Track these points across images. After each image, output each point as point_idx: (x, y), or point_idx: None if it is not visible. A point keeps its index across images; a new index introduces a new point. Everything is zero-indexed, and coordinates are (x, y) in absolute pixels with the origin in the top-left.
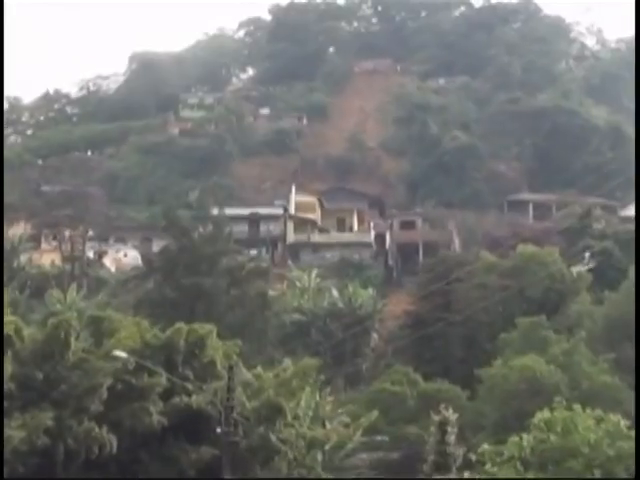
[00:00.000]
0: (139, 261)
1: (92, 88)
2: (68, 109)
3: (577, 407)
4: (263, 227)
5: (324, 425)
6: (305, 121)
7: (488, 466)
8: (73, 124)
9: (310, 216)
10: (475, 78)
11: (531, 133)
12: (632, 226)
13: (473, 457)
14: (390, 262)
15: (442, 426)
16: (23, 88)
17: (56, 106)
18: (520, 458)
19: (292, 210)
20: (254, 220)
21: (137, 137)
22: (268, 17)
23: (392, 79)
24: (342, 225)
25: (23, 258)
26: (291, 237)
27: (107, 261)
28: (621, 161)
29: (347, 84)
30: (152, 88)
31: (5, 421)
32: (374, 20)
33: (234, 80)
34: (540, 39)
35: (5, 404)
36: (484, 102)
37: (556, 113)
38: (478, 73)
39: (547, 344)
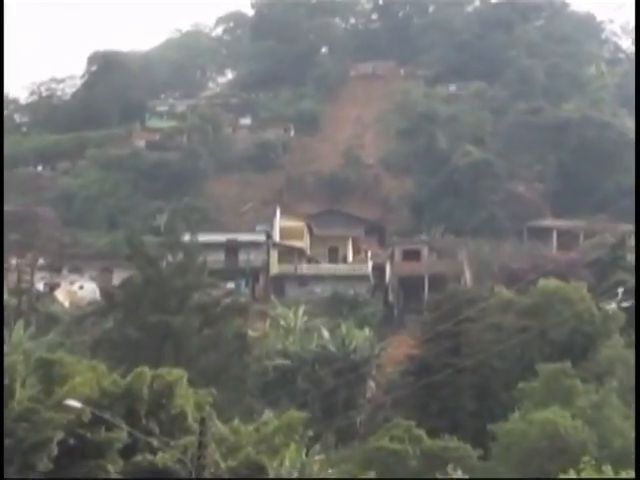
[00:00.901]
0: (97, 295)
1: (44, 93)
2: (16, 117)
3: (607, 469)
4: (242, 256)
5: None
6: (293, 132)
7: None
8: (22, 134)
9: (297, 244)
10: (491, 84)
11: (555, 148)
12: None
13: None
14: (390, 298)
15: None
16: None
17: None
18: None
19: (276, 237)
20: (232, 248)
21: (96, 150)
22: (250, 12)
23: (394, 84)
24: (335, 255)
25: None
26: (275, 268)
27: (60, 295)
28: None
29: (342, 90)
30: (114, 93)
31: None
32: (374, 16)
33: (210, 85)
34: (567, 39)
35: None
36: (501, 112)
37: (585, 125)
38: (495, 78)
39: (573, 395)
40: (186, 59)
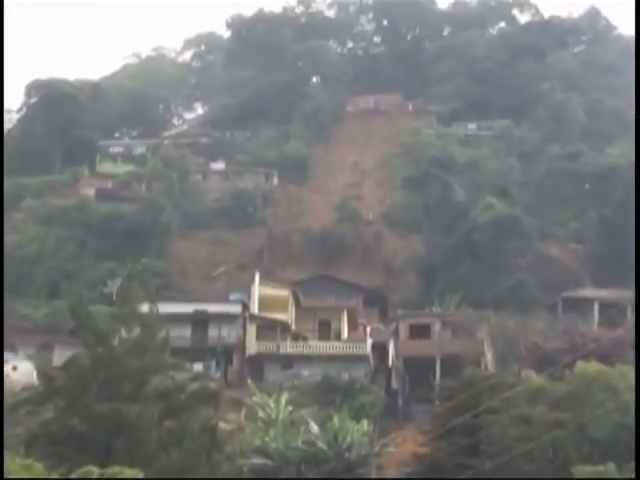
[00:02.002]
0: (34, 378)
1: None
2: None
3: None
4: (213, 331)
5: None
6: (276, 181)
7: None
8: None
9: (280, 316)
10: (519, 123)
11: (597, 202)
12: None
13: None
14: (394, 384)
15: None
16: None
17: None
18: None
19: (255, 308)
20: (200, 321)
21: (36, 200)
22: (225, 33)
23: (401, 122)
24: (326, 330)
25: None
26: (253, 346)
27: None
28: None
29: (337, 129)
30: (58, 130)
31: None
32: (376, 39)
33: (175, 121)
34: (611, 69)
35: None
36: (531, 157)
37: (632, 174)
38: (523, 116)
39: None
40: (146, 90)
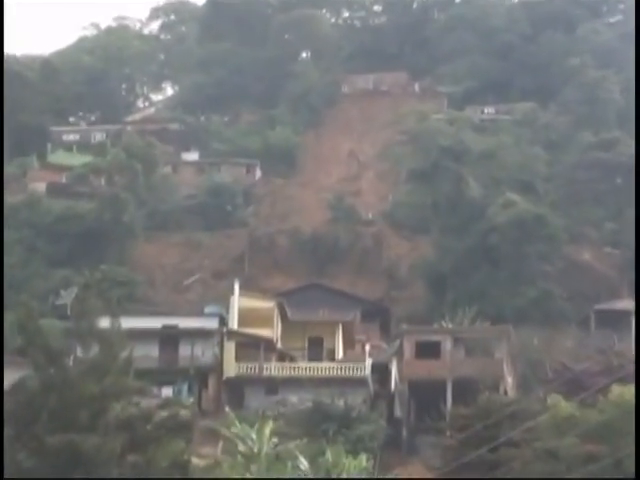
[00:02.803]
0: None
1: None
2: None
3: None
4: (185, 350)
5: None
6: (259, 174)
7: None
8: None
9: (264, 333)
10: (545, 106)
11: (636, 199)
12: None
13: None
14: (397, 412)
15: None
16: None
17: None
18: None
19: (234, 323)
20: (170, 338)
21: None
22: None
23: (405, 105)
24: (318, 348)
25: None
26: (231, 368)
27: None
28: None
29: (330, 113)
30: (2, 115)
31: None
32: (377, 8)
33: (141, 104)
34: None
35: None
36: (559, 146)
37: None
38: (550, 97)
39: None
40: (106, 67)
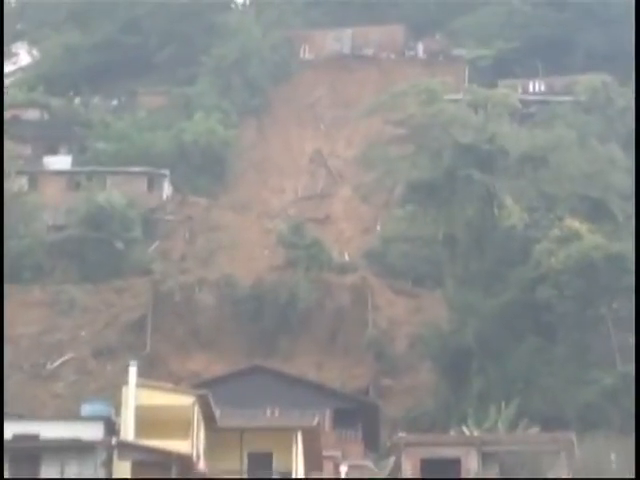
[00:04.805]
0: None
1: None
2: None
3: None
4: (50, 471)
5: None
6: (169, 189)
7: None
8: None
9: (177, 446)
10: (624, 80)
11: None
12: None
13: None
14: None
15: None
16: None
17: None
18: None
19: (129, 430)
20: (27, 454)
21: None
22: None
23: (403, 78)
24: (263, 469)
25: None
26: None
27: None
28: None
29: (282, 92)
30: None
31: None
32: None
33: None
34: None
35: None
36: None
37: None
38: (631, 68)
39: None
40: None
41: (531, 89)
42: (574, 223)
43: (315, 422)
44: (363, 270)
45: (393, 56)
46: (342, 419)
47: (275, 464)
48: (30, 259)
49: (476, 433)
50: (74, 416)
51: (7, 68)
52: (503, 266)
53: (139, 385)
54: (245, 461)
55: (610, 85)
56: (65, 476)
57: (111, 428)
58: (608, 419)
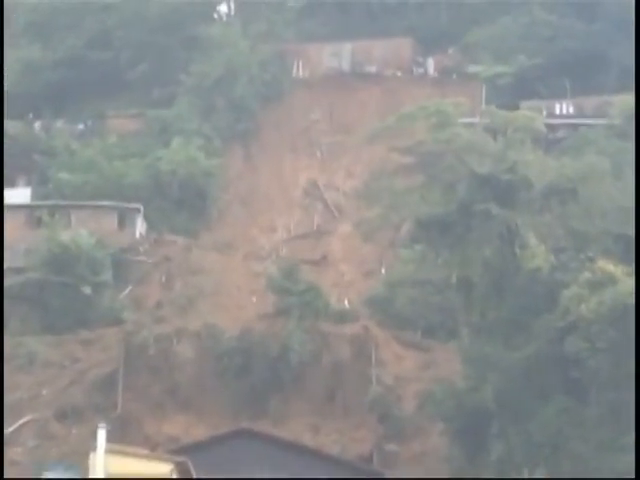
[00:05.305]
0: None
1: None
2: None
3: None
4: None
5: None
6: (142, 226)
7: None
8: None
9: None
10: None
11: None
12: None
13: None
14: None
15: None
16: None
17: None
18: None
19: None
20: None
21: None
22: None
23: (410, 98)
24: None
25: None
26: None
27: None
28: None
29: (272, 114)
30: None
31: None
32: None
33: None
34: None
35: None
36: None
37: None
38: None
39: None
40: None
41: (558, 111)
42: (608, 265)
43: None
44: (365, 319)
45: (399, 74)
46: None
47: None
48: None
49: None
50: None
51: None
52: (526, 314)
53: (109, 451)
54: None
55: None
56: None
57: None
58: None
